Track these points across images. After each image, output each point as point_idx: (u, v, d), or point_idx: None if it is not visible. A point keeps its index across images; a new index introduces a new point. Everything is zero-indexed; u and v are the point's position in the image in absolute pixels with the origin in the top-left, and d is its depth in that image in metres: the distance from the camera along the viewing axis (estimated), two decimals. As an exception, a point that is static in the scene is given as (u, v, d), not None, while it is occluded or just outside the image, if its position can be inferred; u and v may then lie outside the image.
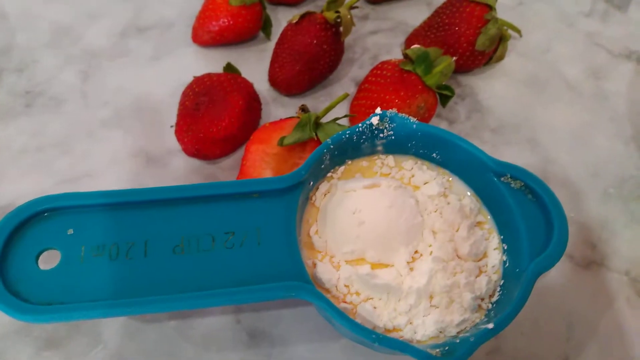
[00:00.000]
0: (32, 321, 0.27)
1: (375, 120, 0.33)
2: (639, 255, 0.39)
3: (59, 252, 0.28)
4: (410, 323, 0.29)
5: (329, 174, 0.34)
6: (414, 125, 0.33)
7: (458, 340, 0.27)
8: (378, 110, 0.33)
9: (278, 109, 0.45)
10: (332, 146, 0.32)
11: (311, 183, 0.32)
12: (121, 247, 0.28)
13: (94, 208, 0.29)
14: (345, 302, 0.30)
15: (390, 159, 0.34)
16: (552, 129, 0.45)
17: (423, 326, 0.29)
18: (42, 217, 0.29)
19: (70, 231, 0.28)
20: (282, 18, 0.50)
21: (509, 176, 0.31)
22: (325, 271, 0.30)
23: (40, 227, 0.28)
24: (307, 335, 0.34)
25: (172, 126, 0.42)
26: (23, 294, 0.27)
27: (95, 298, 0.27)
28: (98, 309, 0.27)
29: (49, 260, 0.28)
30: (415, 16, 0.51)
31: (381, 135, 0.33)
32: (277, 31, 0.48)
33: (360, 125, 0.33)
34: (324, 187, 0.33)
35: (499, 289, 0.30)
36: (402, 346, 0.26)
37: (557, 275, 0.37)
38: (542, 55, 0.50)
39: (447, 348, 0.26)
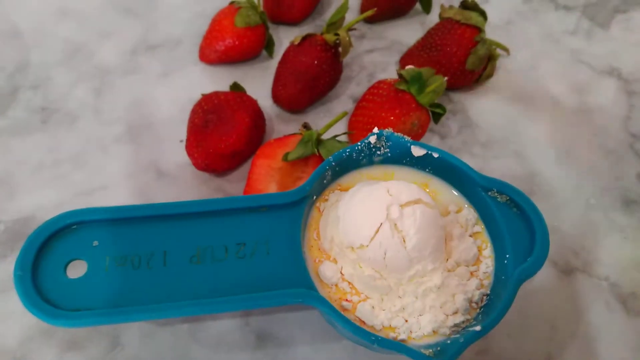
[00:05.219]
0: (62, 326, 0.29)
1: (372, 139, 0.35)
2: (617, 261, 0.41)
3: (85, 262, 0.31)
4: (406, 321, 0.32)
5: (331, 186, 0.36)
6: (408, 144, 0.35)
7: (449, 342, 0.30)
8: (375, 130, 0.35)
9: (280, 124, 0.47)
10: (333, 163, 0.35)
11: (314, 197, 0.35)
12: (142, 257, 0.31)
13: (117, 222, 0.31)
14: (346, 300, 0.32)
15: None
16: (538, 142, 0.47)
17: (418, 325, 0.31)
18: (70, 230, 0.31)
19: (96, 243, 0.31)
20: (283, 37, 0.53)
21: (495, 191, 0.34)
22: (329, 269, 0.33)
23: (67, 239, 0.31)
24: (311, 336, 0.37)
25: (181, 141, 0.44)
26: (54, 300, 0.29)
27: (119, 304, 0.30)
28: (122, 314, 0.29)
29: (76, 270, 0.31)
30: (409, 35, 0.53)
31: (378, 152, 0.36)
32: (278, 49, 0.51)
33: (359, 143, 0.35)
34: (327, 196, 0.36)
35: (488, 292, 0.33)
36: (399, 347, 0.28)
37: (542, 280, 0.40)
38: (528, 72, 0.52)
39: (438, 348, 0.29)
